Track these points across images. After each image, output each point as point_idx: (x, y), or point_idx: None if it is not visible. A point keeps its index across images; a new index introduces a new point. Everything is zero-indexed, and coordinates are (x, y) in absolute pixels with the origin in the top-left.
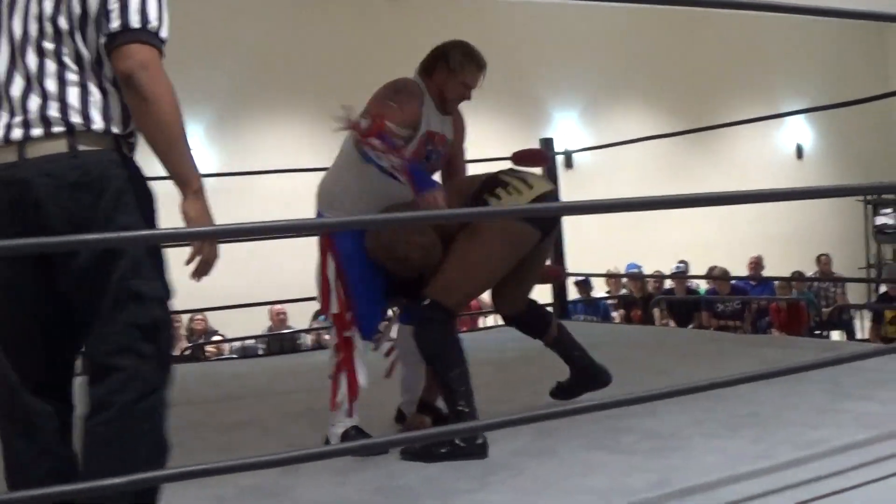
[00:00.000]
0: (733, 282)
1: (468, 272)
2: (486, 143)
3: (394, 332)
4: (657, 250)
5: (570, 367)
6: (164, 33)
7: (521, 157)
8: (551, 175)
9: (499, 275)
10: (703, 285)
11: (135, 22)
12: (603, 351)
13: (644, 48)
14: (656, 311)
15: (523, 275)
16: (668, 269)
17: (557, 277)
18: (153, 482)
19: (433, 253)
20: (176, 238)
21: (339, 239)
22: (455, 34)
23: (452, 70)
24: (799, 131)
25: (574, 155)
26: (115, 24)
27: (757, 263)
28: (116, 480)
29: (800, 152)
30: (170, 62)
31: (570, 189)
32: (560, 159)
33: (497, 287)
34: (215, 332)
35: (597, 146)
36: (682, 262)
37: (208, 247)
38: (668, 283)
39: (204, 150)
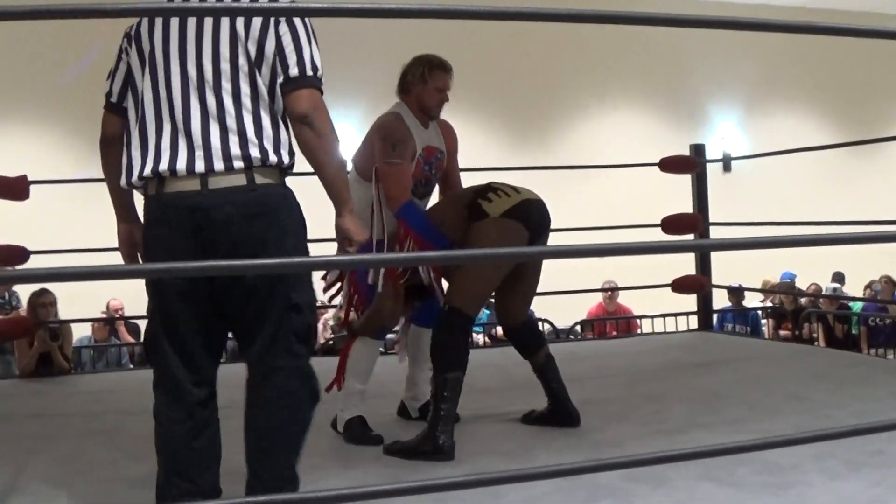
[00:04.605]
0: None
1: (476, 276)
2: (642, 146)
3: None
4: (815, 258)
5: (547, 399)
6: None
7: (667, 164)
8: (701, 181)
9: (502, 274)
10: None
11: (309, 69)
12: (741, 365)
13: (809, 47)
14: (806, 327)
15: (519, 284)
16: (825, 278)
17: (701, 288)
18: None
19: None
20: (337, 265)
21: None
22: (613, 32)
23: (423, 81)
24: None
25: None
26: (293, 70)
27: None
28: None
29: None
30: None
31: (726, 193)
32: (718, 164)
33: (499, 299)
34: None
35: (755, 155)
36: (836, 275)
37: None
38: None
39: None
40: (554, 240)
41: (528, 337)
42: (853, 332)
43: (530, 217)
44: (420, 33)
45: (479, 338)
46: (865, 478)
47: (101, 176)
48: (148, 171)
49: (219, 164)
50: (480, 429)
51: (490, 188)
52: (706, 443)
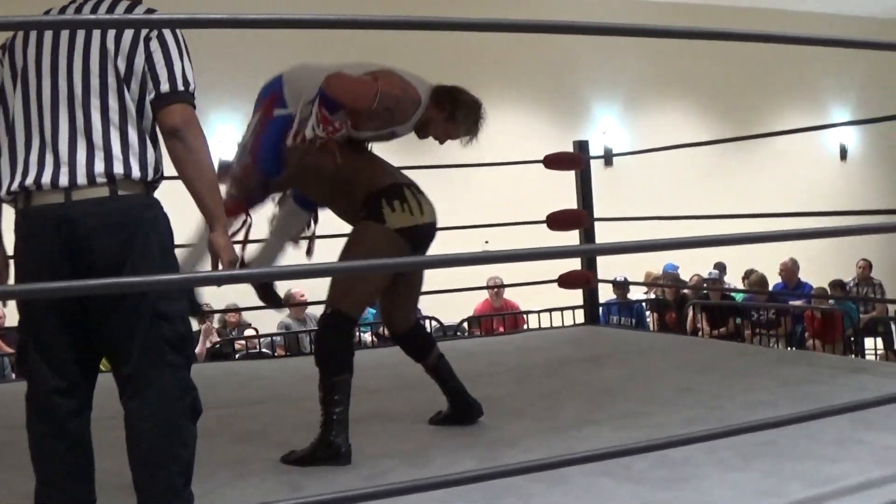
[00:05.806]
0: (771, 289)
1: (358, 279)
2: (525, 142)
3: None
4: (697, 250)
5: (447, 398)
6: (195, 94)
7: (552, 161)
8: (586, 178)
9: (384, 280)
10: (739, 287)
11: (180, 85)
12: (631, 360)
13: (687, 43)
14: (689, 315)
15: (404, 290)
16: (706, 269)
17: (588, 283)
18: None
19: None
20: (208, 282)
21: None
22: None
23: (454, 122)
24: (843, 132)
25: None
26: (164, 86)
27: (787, 268)
28: None
29: (843, 153)
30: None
31: (608, 188)
32: (599, 159)
33: (384, 306)
34: (248, 326)
35: (636, 151)
36: (718, 265)
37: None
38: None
39: None
40: (440, 239)
41: (417, 341)
42: (737, 321)
43: (420, 243)
44: (299, 34)
45: (367, 336)
46: (758, 469)
47: None
48: (15, 185)
49: (82, 180)
50: (376, 430)
51: (399, 196)
52: (600, 438)
